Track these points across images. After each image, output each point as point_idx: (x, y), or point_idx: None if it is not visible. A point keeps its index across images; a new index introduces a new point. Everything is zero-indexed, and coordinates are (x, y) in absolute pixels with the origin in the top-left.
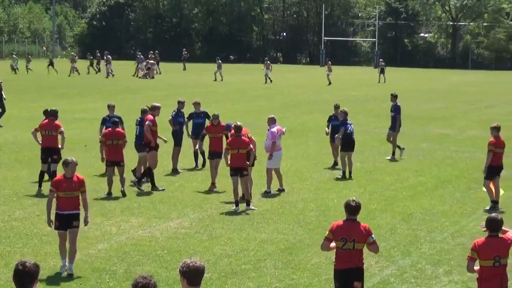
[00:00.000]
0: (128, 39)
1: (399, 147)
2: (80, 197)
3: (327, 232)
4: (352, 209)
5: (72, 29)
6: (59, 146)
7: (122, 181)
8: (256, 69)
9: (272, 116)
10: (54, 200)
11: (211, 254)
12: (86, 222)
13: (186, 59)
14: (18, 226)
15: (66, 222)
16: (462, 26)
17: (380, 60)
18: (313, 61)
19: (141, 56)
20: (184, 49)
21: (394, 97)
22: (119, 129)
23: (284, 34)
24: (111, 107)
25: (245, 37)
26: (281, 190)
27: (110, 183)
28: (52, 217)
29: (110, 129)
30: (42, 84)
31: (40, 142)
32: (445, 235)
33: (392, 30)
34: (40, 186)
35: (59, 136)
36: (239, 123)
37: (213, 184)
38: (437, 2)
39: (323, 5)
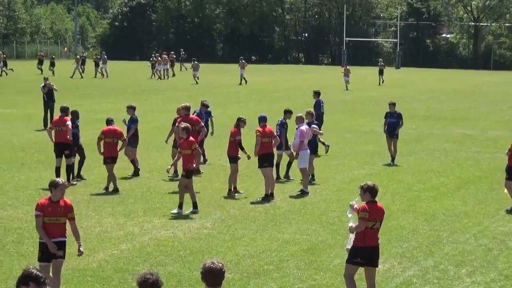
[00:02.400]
0: (150, 39)
1: (323, 143)
2: (69, 224)
3: (363, 212)
4: (376, 192)
5: (94, 29)
6: (69, 138)
7: (113, 177)
8: (277, 70)
9: (300, 114)
10: None
11: (234, 254)
12: (80, 253)
13: (183, 59)
14: None
15: (50, 253)
16: (484, 26)
17: (380, 60)
18: (335, 62)
19: (105, 57)
20: (182, 49)
21: (316, 94)
22: (116, 127)
23: (306, 34)
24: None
25: (267, 38)
26: (304, 192)
27: (115, 179)
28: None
29: (109, 127)
30: (64, 85)
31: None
32: (467, 236)
33: (414, 30)
34: None
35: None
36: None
37: (234, 189)
38: (459, 3)
39: (345, 5)
